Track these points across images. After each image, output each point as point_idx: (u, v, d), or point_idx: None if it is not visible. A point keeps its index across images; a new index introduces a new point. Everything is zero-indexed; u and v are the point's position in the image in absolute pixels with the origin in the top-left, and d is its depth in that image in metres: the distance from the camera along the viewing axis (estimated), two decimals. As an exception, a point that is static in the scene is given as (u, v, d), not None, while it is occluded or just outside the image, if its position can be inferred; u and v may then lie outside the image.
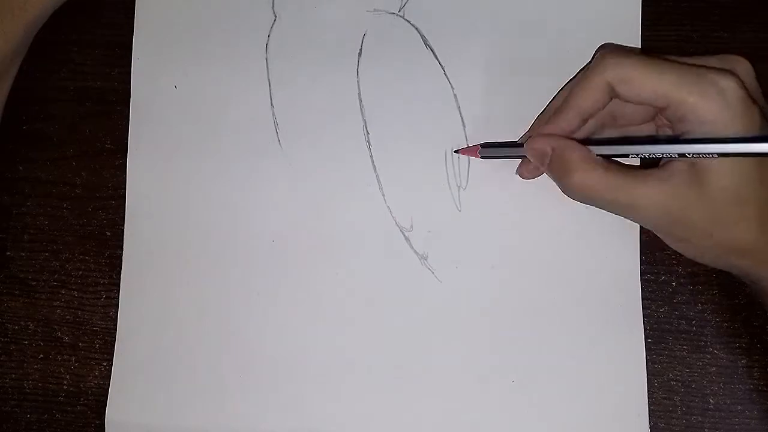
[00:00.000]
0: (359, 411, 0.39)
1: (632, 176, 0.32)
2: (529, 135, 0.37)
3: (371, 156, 0.40)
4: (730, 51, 0.39)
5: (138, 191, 0.41)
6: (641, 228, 0.38)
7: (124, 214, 0.41)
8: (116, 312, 0.40)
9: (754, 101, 0.31)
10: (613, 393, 0.37)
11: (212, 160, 0.41)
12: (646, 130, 0.36)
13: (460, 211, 0.39)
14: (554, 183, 0.35)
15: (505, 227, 0.39)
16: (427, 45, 0.40)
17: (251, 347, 0.39)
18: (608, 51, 0.33)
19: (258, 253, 0.40)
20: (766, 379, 0.37)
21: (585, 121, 0.34)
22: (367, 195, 0.40)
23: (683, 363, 0.38)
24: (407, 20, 0.40)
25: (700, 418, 0.37)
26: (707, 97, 0.30)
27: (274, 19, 0.41)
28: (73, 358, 0.41)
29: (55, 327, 0.41)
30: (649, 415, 0.37)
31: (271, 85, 0.41)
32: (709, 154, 0.30)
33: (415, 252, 0.39)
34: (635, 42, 0.39)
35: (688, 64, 0.32)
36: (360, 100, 0.40)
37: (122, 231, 0.41)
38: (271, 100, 0.41)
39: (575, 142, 0.34)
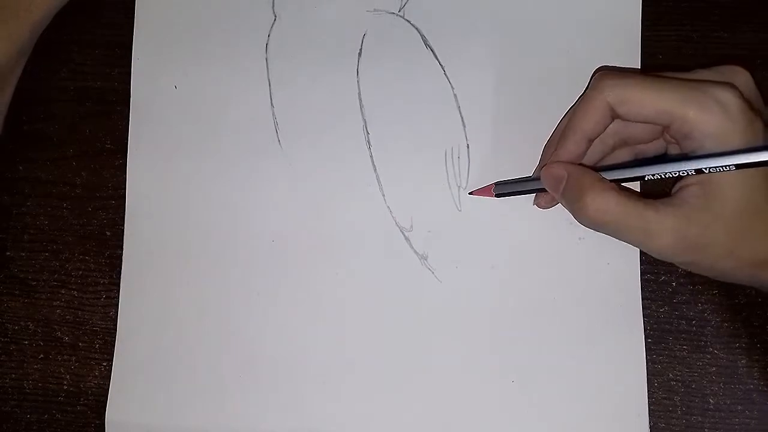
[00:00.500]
0: (359, 411, 0.39)
1: (645, 203, 0.32)
2: (541, 165, 0.37)
3: (371, 156, 0.40)
4: (730, 51, 0.39)
5: (138, 191, 0.41)
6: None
7: (124, 214, 0.41)
8: (116, 312, 0.40)
9: (755, 111, 0.31)
10: (613, 393, 0.37)
11: (212, 160, 0.41)
12: (657, 147, 0.36)
13: (460, 211, 0.39)
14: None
15: (505, 227, 0.39)
16: (427, 45, 0.40)
17: (251, 347, 0.39)
18: (605, 73, 0.33)
19: (258, 253, 0.40)
20: (766, 379, 0.37)
21: (590, 142, 0.34)
22: (367, 195, 0.40)
23: (683, 363, 0.38)
24: (407, 20, 0.40)
25: (700, 418, 0.37)
26: (708, 110, 0.30)
27: (274, 19, 0.41)
28: (73, 358, 0.41)
29: (55, 327, 0.41)
30: (649, 415, 0.37)
31: (271, 85, 0.41)
32: (725, 166, 0.30)
33: (415, 252, 0.39)
34: (635, 42, 0.39)
35: (687, 80, 0.32)
36: (360, 100, 0.40)
37: (122, 231, 0.41)
38: (271, 100, 0.41)
39: (589, 169, 0.34)
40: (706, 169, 0.31)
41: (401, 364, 0.39)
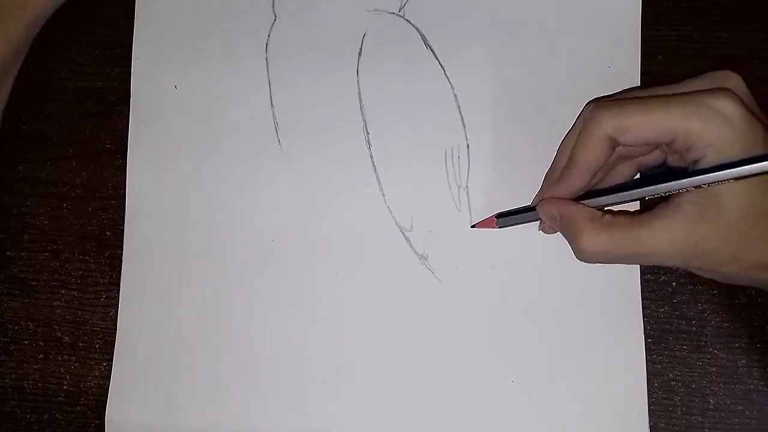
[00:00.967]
0: (359, 411, 0.39)
1: (640, 224, 0.32)
2: (540, 197, 0.37)
3: (371, 156, 0.40)
4: (730, 51, 0.39)
5: (138, 191, 0.41)
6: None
7: (124, 214, 0.41)
8: (116, 312, 0.40)
9: (754, 114, 0.31)
10: (613, 393, 0.37)
11: (212, 160, 0.41)
12: (656, 157, 0.35)
13: (460, 211, 0.39)
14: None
15: (505, 227, 0.39)
16: (427, 45, 0.40)
17: (251, 347, 0.39)
18: (600, 104, 0.33)
19: (258, 253, 0.40)
20: (766, 379, 0.37)
21: (594, 174, 0.34)
22: (367, 195, 0.40)
23: (683, 363, 0.38)
24: (407, 20, 0.40)
25: (700, 418, 0.37)
26: (709, 121, 0.30)
27: (274, 19, 0.41)
28: (73, 358, 0.41)
29: (55, 327, 0.41)
30: (649, 415, 0.37)
31: (271, 85, 0.41)
32: (725, 180, 0.30)
33: (415, 252, 0.39)
34: (635, 42, 0.39)
35: (682, 93, 0.32)
36: (360, 100, 0.40)
37: (122, 231, 0.41)
38: (271, 100, 0.41)
39: (581, 206, 0.34)
40: (705, 184, 0.31)
41: (401, 364, 0.39)
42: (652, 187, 0.32)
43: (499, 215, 0.38)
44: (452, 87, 0.40)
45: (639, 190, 0.33)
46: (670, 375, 0.38)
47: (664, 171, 0.35)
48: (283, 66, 0.41)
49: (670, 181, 0.31)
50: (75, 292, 0.41)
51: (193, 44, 0.41)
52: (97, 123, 0.42)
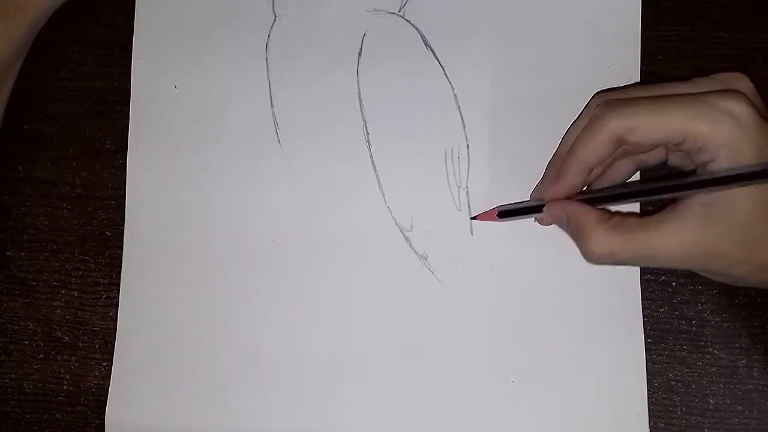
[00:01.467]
0: (359, 411, 0.39)
1: (648, 225, 0.32)
2: (542, 183, 0.37)
3: (371, 156, 0.40)
4: (730, 51, 0.39)
5: (138, 191, 0.41)
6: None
7: (124, 214, 0.41)
8: (116, 312, 0.40)
9: (763, 116, 0.31)
10: (613, 393, 0.37)
11: (212, 160, 0.41)
12: (657, 155, 0.35)
13: (460, 210, 0.39)
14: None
15: (505, 227, 0.39)
16: (427, 45, 0.40)
17: (251, 347, 0.39)
18: (608, 102, 0.32)
19: (258, 253, 0.40)
20: (766, 379, 0.37)
21: (591, 170, 0.34)
22: (367, 195, 0.40)
23: (683, 363, 0.38)
24: (407, 20, 0.40)
25: (700, 418, 0.37)
26: (719, 123, 0.30)
27: (274, 19, 0.41)
28: (73, 358, 0.41)
29: (55, 327, 0.41)
30: (649, 415, 0.37)
31: (271, 85, 0.41)
32: (733, 185, 0.30)
33: (415, 252, 0.39)
34: (635, 42, 0.39)
35: (691, 94, 0.32)
36: (360, 100, 0.40)
37: (122, 231, 0.41)
38: (271, 100, 0.41)
39: (589, 207, 0.33)
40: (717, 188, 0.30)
41: (401, 364, 0.39)
42: (656, 194, 0.32)
43: (502, 213, 0.38)
44: (452, 87, 0.40)
45: (643, 195, 0.33)
46: (670, 375, 0.38)
47: (667, 173, 0.35)
48: (283, 66, 0.41)
49: (685, 188, 0.31)
50: (75, 292, 0.41)
51: (193, 44, 0.41)
52: (97, 123, 0.42)
